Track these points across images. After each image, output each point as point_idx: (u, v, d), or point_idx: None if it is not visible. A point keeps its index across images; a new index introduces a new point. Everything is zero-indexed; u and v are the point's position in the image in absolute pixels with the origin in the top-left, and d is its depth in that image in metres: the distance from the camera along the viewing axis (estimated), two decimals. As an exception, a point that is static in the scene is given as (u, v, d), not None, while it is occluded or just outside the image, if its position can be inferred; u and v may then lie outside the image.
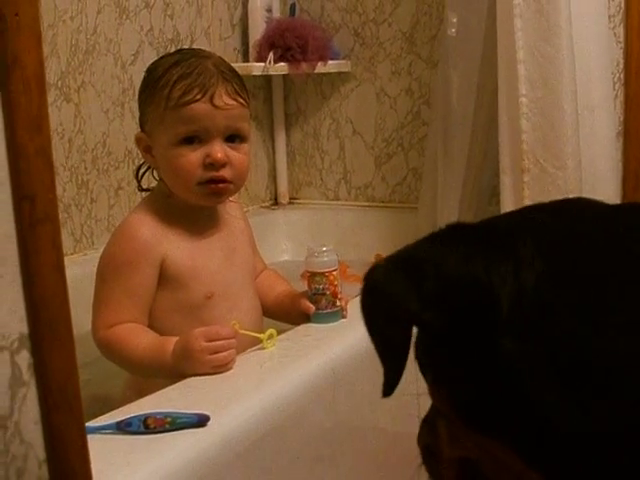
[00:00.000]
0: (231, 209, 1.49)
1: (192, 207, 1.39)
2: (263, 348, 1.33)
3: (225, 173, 1.34)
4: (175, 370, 1.25)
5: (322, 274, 1.42)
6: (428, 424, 0.71)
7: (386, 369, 0.65)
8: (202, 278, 1.38)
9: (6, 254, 0.62)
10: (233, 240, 1.46)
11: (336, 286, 1.43)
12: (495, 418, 0.60)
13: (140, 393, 1.23)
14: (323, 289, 1.42)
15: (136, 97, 2.11)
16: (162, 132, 1.34)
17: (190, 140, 1.33)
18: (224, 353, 1.24)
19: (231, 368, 1.25)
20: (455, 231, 0.65)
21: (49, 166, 0.63)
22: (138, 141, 1.39)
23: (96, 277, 1.37)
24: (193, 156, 1.32)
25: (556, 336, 0.56)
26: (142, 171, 1.46)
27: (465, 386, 0.61)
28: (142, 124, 1.41)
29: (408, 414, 0.94)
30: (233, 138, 1.36)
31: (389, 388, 0.65)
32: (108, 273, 1.35)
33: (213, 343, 1.23)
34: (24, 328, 0.63)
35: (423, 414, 0.72)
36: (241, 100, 1.36)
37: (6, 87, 0.60)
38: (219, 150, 1.33)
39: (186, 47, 2.31)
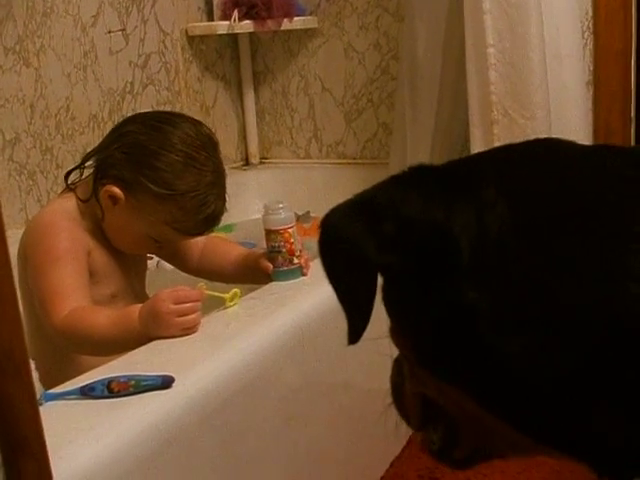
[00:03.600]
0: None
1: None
2: (226, 308, 1.32)
3: None
4: (142, 336, 1.24)
5: (277, 231, 1.41)
6: (398, 363, 0.71)
7: (349, 316, 0.62)
8: (111, 278, 1.44)
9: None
10: None
11: (292, 243, 1.41)
12: (453, 364, 0.59)
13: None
14: (279, 247, 1.41)
15: (98, 61, 2.11)
16: (151, 215, 1.37)
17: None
18: (192, 315, 1.23)
19: (197, 330, 1.24)
20: (417, 173, 0.62)
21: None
22: (112, 192, 1.37)
23: (33, 273, 1.35)
24: (155, 247, 1.44)
25: (517, 284, 0.55)
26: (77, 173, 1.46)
27: (425, 332, 0.60)
28: (124, 182, 1.38)
29: (378, 368, 0.93)
30: None
31: (354, 336, 0.62)
32: (49, 264, 1.33)
33: (181, 306, 1.22)
34: (-37, 294, 0.61)
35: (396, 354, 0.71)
36: None
37: None
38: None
39: (145, 8, 2.26)
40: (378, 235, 0.58)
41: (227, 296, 1.32)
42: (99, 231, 1.42)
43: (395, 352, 0.70)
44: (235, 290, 1.34)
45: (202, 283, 1.32)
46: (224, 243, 1.63)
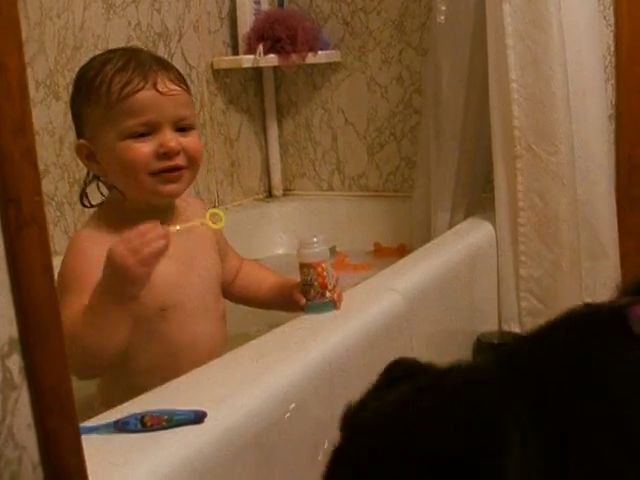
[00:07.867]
0: (193, 212, 1.40)
1: (148, 210, 1.31)
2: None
3: (180, 161, 1.29)
4: (112, 291, 1.17)
5: (309, 265, 1.42)
6: None
7: None
8: (155, 290, 1.27)
9: (-7, 258, 0.61)
10: (191, 246, 1.37)
11: (325, 277, 1.42)
12: None
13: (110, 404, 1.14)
14: (311, 280, 1.41)
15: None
16: (107, 131, 1.26)
17: (139, 134, 1.26)
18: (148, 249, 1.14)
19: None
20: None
21: (34, 169, 0.63)
22: (79, 150, 1.31)
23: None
24: (144, 147, 1.26)
25: None
26: (88, 187, 1.38)
27: None
28: (80, 132, 1.32)
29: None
30: (182, 128, 1.31)
31: None
32: (63, 287, 1.23)
33: (135, 243, 1.14)
34: (14, 331, 0.63)
35: None
36: (184, 86, 1.32)
37: (-12, 90, 0.59)
38: (171, 139, 1.27)
39: (172, 42, 2.30)
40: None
41: (206, 220, 1.25)
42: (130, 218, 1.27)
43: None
44: (213, 210, 1.26)
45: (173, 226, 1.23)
46: (261, 268, 1.60)
